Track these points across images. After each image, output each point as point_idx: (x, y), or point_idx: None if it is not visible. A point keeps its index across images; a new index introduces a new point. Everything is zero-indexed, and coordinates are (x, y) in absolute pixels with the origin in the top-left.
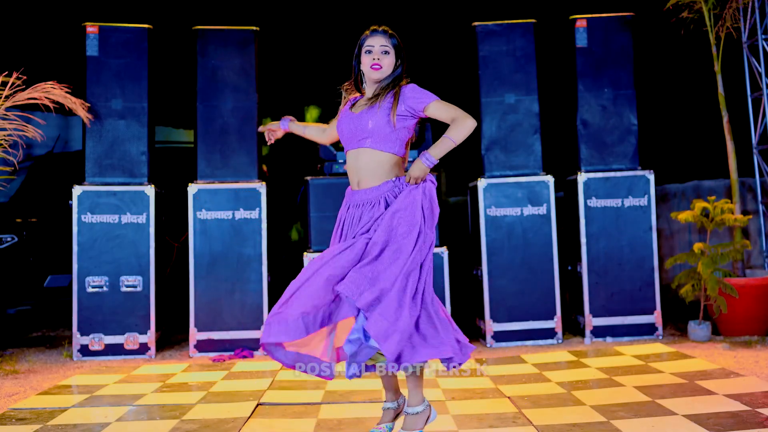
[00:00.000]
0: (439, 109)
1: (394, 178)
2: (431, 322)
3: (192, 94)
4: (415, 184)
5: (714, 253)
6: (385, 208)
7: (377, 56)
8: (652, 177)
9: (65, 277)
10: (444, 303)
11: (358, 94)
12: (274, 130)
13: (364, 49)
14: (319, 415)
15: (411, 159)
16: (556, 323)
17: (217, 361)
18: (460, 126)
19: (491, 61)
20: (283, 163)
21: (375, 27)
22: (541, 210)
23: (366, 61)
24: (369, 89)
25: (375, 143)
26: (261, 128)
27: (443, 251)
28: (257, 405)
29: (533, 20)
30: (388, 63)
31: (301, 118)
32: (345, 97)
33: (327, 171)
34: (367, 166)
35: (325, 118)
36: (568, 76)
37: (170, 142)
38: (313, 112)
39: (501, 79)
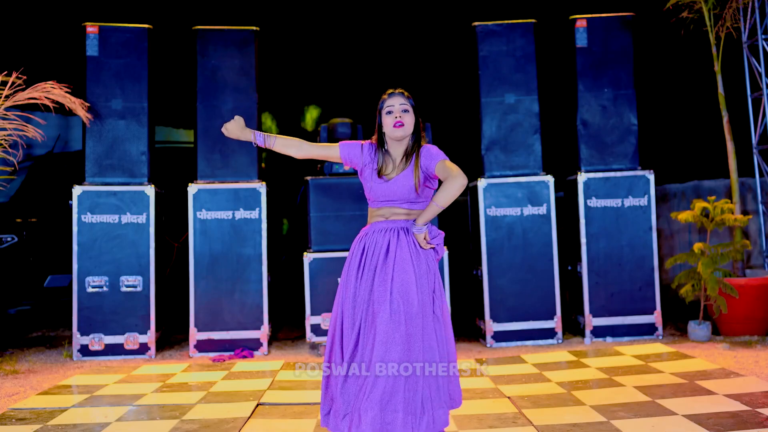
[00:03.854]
0: (438, 169)
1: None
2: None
3: (192, 94)
4: (425, 248)
5: (714, 253)
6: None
7: (398, 115)
8: (652, 177)
9: (65, 277)
10: None
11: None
12: (238, 136)
13: (384, 111)
14: (319, 415)
15: None
16: (556, 323)
17: (217, 361)
18: (447, 188)
19: (491, 61)
20: (283, 163)
21: (392, 90)
22: (541, 210)
23: (388, 122)
24: (392, 148)
25: (411, 205)
26: (235, 128)
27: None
28: (257, 405)
29: (533, 20)
30: (409, 121)
31: (301, 117)
32: (367, 148)
33: (327, 171)
34: (401, 213)
35: (325, 117)
36: (568, 76)
37: (170, 142)
38: (313, 112)
39: (501, 79)
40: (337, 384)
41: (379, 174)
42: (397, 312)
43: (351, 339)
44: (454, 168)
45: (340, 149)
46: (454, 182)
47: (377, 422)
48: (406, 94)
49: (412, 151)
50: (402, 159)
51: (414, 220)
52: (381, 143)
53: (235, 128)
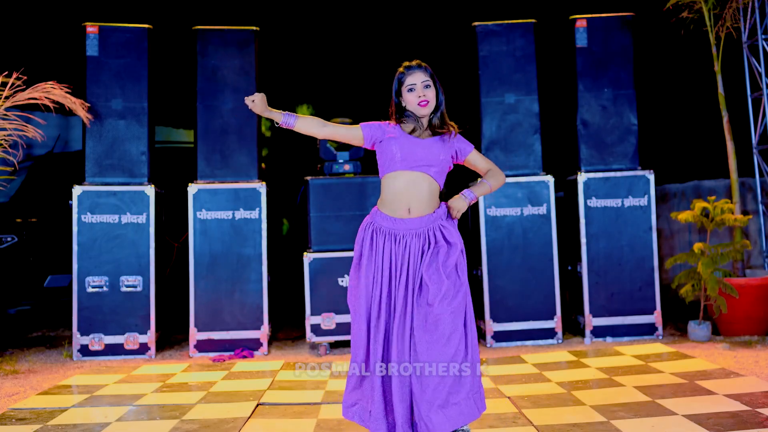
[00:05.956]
0: (476, 159)
1: (439, 206)
2: None
3: (192, 94)
4: (455, 218)
5: (714, 253)
6: (442, 238)
7: (421, 93)
8: (652, 177)
9: (65, 277)
10: None
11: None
12: (262, 112)
13: (405, 88)
14: (319, 415)
15: None
16: (556, 323)
17: (217, 361)
18: (498, 177)
19: (491, 61)
20: (283, 163)
21: (409, 63)
22: (541, 210)
23: (412, 99)
24: (418, 121)
25: (436, 174)
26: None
27: None
28: (257, 405)
29: (533, 20)
30: (432, 96)
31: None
32: (389, 124)
33: (327, 171)
34: (422, 194)
35: (324, 117)
36: (568, 76)
37: (170, 142)
38: (306, 112)
39: (501, 79)
40: (372, 383)
41: (413, 133)
42: (455, 312)
43: (381, 337)
44: (491, 162)
45: (362, 129)
46: (503, 175)
47: (444, 421)
48: (423, 65)
49: (444, 126)
50: (427, 127)
51: (467, 191)
52: (400, 114)
53: (260, 104)
